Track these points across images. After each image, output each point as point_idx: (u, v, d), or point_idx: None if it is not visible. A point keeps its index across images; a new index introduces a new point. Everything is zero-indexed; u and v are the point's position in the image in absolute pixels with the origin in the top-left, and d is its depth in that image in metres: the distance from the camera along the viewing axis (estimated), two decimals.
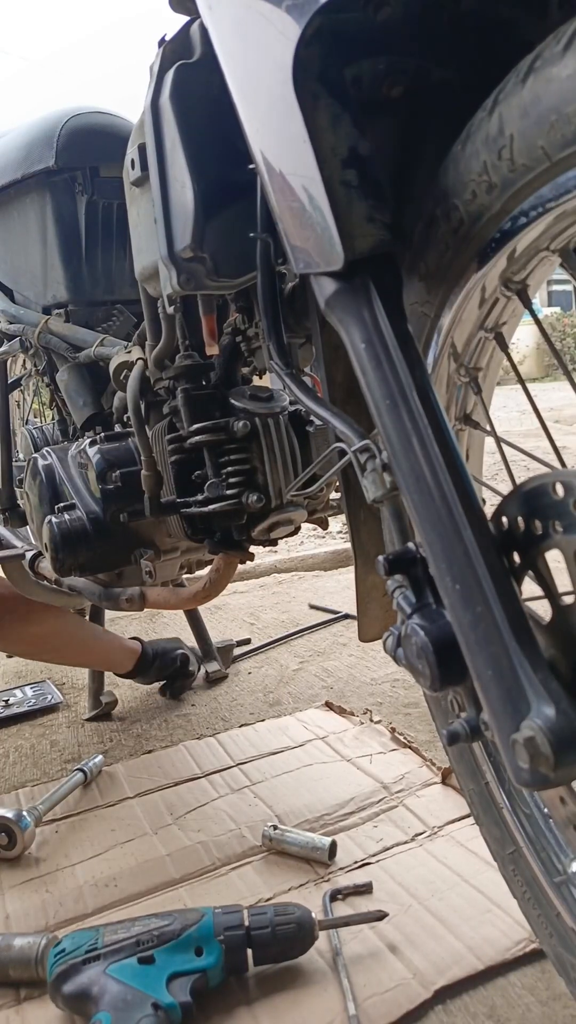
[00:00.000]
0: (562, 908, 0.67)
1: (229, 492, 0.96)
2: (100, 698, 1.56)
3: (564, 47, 0.39)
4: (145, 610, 1.29)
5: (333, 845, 1.02)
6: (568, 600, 0.49)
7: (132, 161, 0.78)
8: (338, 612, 2.05)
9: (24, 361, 1.63)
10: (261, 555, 2.54)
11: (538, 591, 0.51)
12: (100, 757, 1.30)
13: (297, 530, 1.08)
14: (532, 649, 0.46)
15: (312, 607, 2.16)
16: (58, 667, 1.87)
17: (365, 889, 0.94)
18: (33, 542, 1.62)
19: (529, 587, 0.51)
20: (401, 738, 1.30)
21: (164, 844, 1.09)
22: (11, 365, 1.76)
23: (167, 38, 0.71)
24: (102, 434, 1.15)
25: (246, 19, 0.52)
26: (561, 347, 12.96)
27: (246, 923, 0.82)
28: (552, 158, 0.42)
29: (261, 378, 1.10)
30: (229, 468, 0.96)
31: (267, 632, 1.98)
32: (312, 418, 1.04)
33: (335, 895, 0.94)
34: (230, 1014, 0.79)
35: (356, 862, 1.01)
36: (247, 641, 1.91)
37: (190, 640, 1.78)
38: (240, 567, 1.95)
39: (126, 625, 2.14)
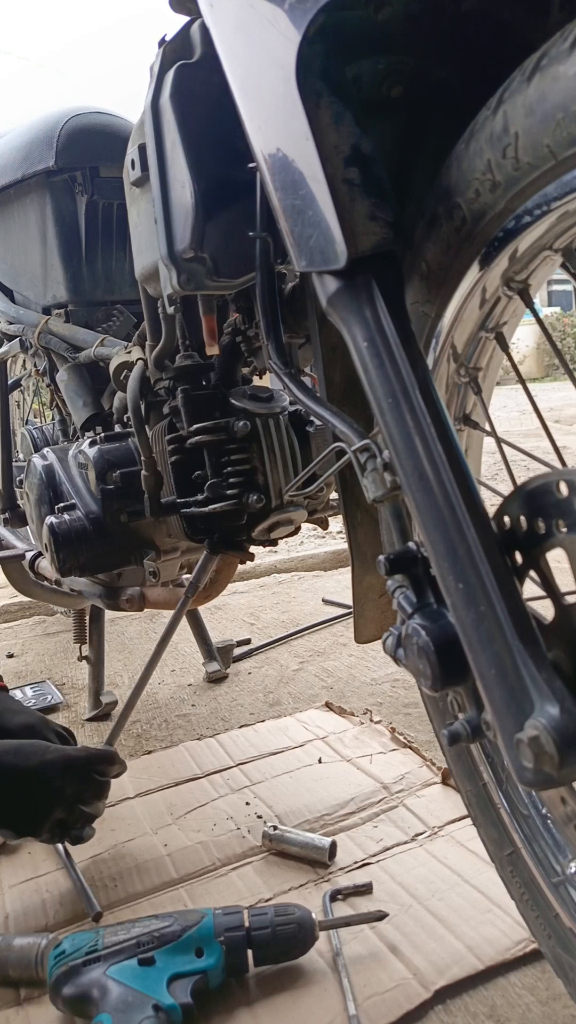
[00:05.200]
0: (560, 909, 0.67)
1: (229, 492, 0.96)
2: (100, 698, 1.56)
3: (571, 45, 0.39)
4: (145, 610, 1.29)
5: (333, 845, 1.01)
6: (571, 599, 0.49)
7: (132, 161, 0.78)
8: (351, 607, 2.05)
9: (24, 361, 1.63)
10: (261, 555, 2.54)
11: (540, 591, 0.51)
12: None
13: (297, 530, 1.08)
14: (535, 648, 0.46)
15: (325, 601, 2.17)
16: (58, 667, 1.87)
17: (365, 889, 0.94)
18: (33, 542, 1.62)
19: (530, 587, 0.51)
20: (401, 738, 1.30)
21: (164, 844, 1.08)
22: (11, 365, 1.77)
23: (167, 38, 0.71)
24: (102, 434, 1.15)
25: (248, 17, 0.52)
26: (561, 347, 12.99)
27: (246, 924, 0.82)
28: (558, 156, 0.42)
29: (261, 378, 1.10)
30: (229, 468, 0.96)
31: (267, 632, 1.98)
32: (312, 418, 1.04)
33: (335, 895, 0.94)
34: (231, 1015, 0.79)
35: (356, 862, 1.00)
36: (247, 641, 1.91)
37: (190, 640, 1.78)
38: (240, 567, 1.95)
39: (126, 625, 2.13)
